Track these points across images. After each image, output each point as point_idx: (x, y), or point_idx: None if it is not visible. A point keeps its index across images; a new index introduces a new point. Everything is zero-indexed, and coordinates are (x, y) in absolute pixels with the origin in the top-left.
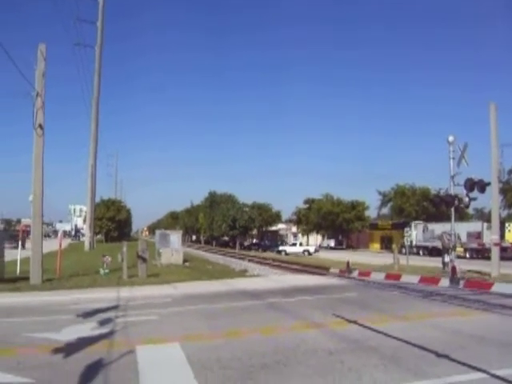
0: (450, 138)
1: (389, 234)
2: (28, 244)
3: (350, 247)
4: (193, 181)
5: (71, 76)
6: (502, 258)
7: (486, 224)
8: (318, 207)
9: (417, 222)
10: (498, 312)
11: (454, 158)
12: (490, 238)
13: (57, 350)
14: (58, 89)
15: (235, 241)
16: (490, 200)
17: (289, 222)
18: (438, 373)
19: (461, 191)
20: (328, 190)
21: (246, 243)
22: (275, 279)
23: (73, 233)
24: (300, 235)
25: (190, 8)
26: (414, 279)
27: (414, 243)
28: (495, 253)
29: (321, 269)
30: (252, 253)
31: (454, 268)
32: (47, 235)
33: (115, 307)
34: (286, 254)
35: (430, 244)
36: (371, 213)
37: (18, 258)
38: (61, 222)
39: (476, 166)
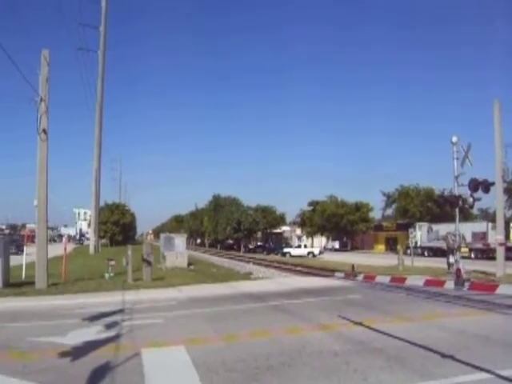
0: (454, 139)
1: (393, 236)
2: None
3: (354, 249)
4: (197, 184)
5: (74, 80)
6: (507, 258)
7: (490, 224)
8: (322, 209)
9: (421, 222)
10: (502, 312)
11: (457, 159)
12: (495, 238)
13: (62, 354)
14: (61, 93)
15: (240, 244)
16: (495, 200)
17: (293, 224)
18: (444, 373)
19: (465, 191)
20: (332, 191)
21: (250, 246)
22: (280, 281)
23: (77, 237)
24: (304, 237)
25: (192, 12)
26: (418, 282)
27: (418, 244)
28: (500, 253)
29: (326, 271)
30: (256, 255)
31: (458, 270)
32: (52, 240)
33: (120, 311)
34: (291, 256)
35: (434, 245)
36: (375, 214)
37: (23, 262)
38: (65, 226)
39: (480, 166)
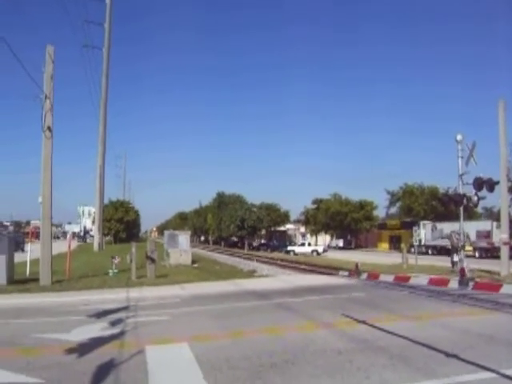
0: (458, 137)
1: (397, 234)
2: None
3: (358, 247)
4: (201, 181)
5: (79, 78)
6: None
7: (495, 223)
8: (326, 207)
9: (425, 221)
10: (506, 311)
11: (462, 157)
12: (500, 237)
13: (67, 351)
14: (66, 90)
15: (243, 241)
16: (499, 199)
17: (297, 222)
18: (448, 372)
19: (469, 190)
20: (336, 189)
21: (254, 243)
22: (284, 279)
23: (82, 234)
24: (308, 235)
25: (195, 10)
26: (422, 281)
27: (422, 242)
28: (504, 252)
29: (329, 269)
30: (260, 253)
31: (462, 269)
32: (56, 237)
33: (124, 308)
34: (295, 254)
35: (438, 243)
36: (380, 212)
37: (28, 259)
38: (70, 223)
39: (485, 164)
